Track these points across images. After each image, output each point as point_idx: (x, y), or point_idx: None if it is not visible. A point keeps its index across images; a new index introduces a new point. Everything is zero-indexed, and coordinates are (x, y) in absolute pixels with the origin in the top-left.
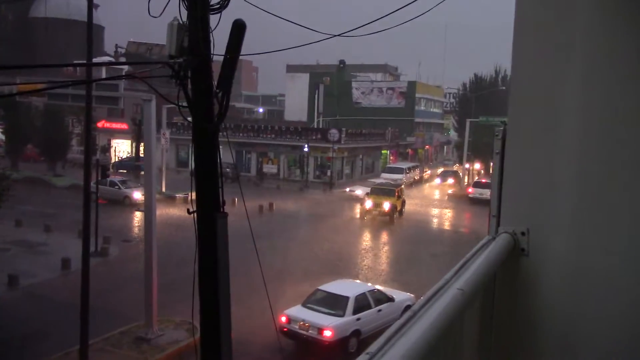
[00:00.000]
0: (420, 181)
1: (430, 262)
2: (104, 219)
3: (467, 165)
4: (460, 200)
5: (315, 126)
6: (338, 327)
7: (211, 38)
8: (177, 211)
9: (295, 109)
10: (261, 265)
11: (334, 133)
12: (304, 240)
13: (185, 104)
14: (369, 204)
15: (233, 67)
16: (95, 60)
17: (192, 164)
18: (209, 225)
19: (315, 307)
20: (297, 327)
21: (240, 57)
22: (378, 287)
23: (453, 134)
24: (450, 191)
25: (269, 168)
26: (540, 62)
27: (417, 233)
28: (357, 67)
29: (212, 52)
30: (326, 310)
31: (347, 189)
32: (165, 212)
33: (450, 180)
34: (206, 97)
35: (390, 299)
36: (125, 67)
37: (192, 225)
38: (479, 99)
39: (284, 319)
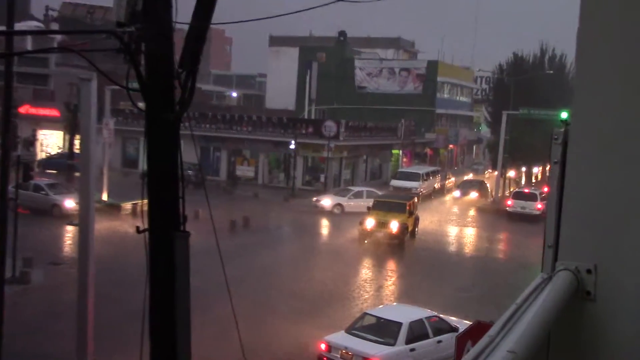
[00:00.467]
0: (442, 191)
1: (458, 303)
2: (25, 235)
3: (506, 172)
4: (492, 215)
5: (306, 117)
6: (387, 357)
7: (173, 1)
8: (123, 226)
9: (280, 93)
10: (232, 303)
11: (330, 126)
12: (285, 269)
13: (136, 85)
14: (370, 223)
15: (201, 39)
16: (18, 27)
17: (143, 164)
18: (165, 247)
19: (362, 333)
20: (338, 355)
21: (211, 27)
22: (440, 314)
23: (485, 130)
24: (478, 205)
25: (244, 170)
26: (623, 36)
27: (435, 262)
28: (361, 41)
29: (173, 19)
30: (374, 338)
31: (314, 199)
32: (106, 226)
33: (474, 194)
34: (164, 78)
35: (453, 329)
36: (58, 37)
37: (143, 245)
38: (520, 86)
39: (323, 346)
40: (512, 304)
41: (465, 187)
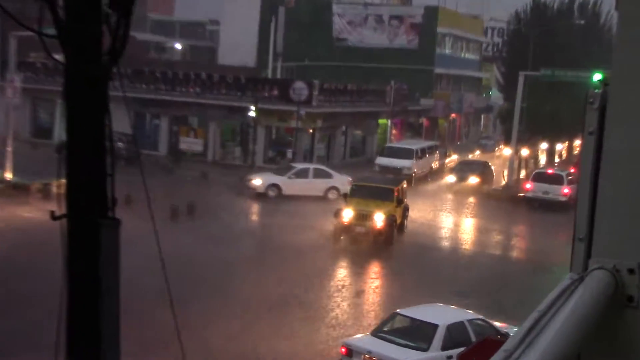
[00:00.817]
0: (441, 172)
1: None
2: None
3: (523, 149)
4: (505, 203)
5: (270, 76)
6: None
7: None
8: (33, 211)
9: (237, 46)
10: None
11: (300, 88)
12: (236, 269)
13: (52, 31)
14: (348, 214)
15: None
16: None
17: (61, 133)
18: (89, 237)
19: (390, 336)
20: None
21: None
22: (484, 318)
23: (496, 96)
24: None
25: (190, 143)
26: None
27: (429, 262)
28: None
29: None
30: (404, 342)
31: (247, 178)
32: (10, 212)
33: (473, 179)
34: (89, 22)
35: (500, 334)
36: None
37: (59, 236)
38: (542, 40)
39: (343, 349)
40: (533, 312)
41: (462, 170)
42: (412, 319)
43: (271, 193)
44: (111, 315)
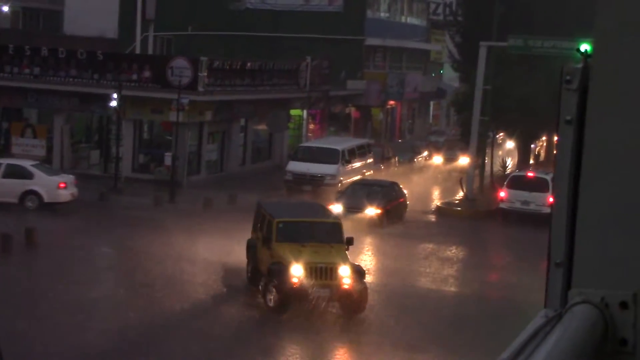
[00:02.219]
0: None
1: None
2: None
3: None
4: (465, 220)
5: (138, 51)
6: None
7: None
8: None
9: (91, 9)
10: None
11: (181, 68)
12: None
13: None
14: (297, 272)
15: None
16: None
17: None
18: None
19: None
20: None
21: None
22: None
23: (450, 76)
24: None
25: (28, 146)
26: None
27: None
28: None
29: None
30: None
31: None
32: None
33: (371, 210)
34: None
35: None
36: None
37: None
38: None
39: None
40: None
41: (354, 196)
42: None
43: None
44: None
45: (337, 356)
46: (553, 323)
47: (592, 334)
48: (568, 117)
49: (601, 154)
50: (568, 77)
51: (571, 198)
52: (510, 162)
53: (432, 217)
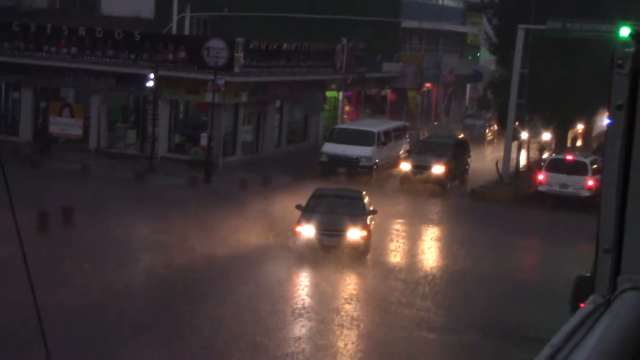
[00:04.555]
0: None
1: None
2: None
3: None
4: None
5: (175, 32)
6: None
7: None
8: None
9: None
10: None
11: (217, 49)
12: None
13: None
14: None
15: None
16: None
17: None
18: None
19: None
20: None
21: None
22: None
23: (487, 59)
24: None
25: (65, 125)
26: None
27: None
28: None
29: None
30: None
31: None
32: None
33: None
34: None
35: None
36: None
37: None
38: None
39: None
40: (545, 346)
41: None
42: None
43: None
44: None
45: None
46: (602, 309)
47: None
48: (619, 102)
49: None
50: (619, 62)
51: (621, 184)
52: (546, 146)
53: (466, 201)
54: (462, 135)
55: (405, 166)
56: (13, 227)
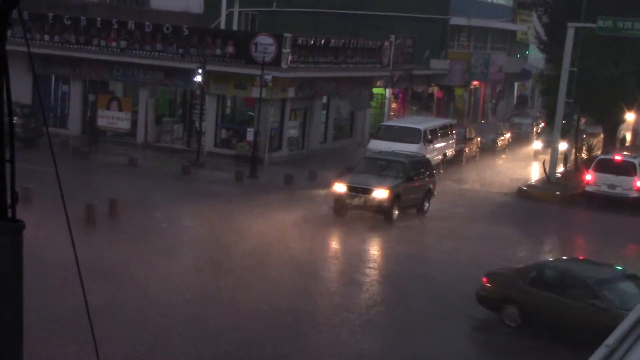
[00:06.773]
0: (460, 159)
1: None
2: None
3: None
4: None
5: (223, 26)
6: None
7: None
8: None
9: None
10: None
11: (265, 44)
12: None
13: None
14: None
15: None
16: None
17: None
18: None
19: None
20: None
21: None
22: None
23: (536, 58)
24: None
25: (113, 119)
26: None
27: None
28: None
29: None
30: None
31: None
32: None
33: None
34: None
35: None
36: None
37: None
38: None
39: None
40: (600, 346)
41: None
42: None
43: None
44: (13, 333)
45: None
46: None
47: None
48: None
49: None
50: None
51: None
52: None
53: (512, 200)
54: (425, 155)
55: (340, 187)
56: (67, 217)
